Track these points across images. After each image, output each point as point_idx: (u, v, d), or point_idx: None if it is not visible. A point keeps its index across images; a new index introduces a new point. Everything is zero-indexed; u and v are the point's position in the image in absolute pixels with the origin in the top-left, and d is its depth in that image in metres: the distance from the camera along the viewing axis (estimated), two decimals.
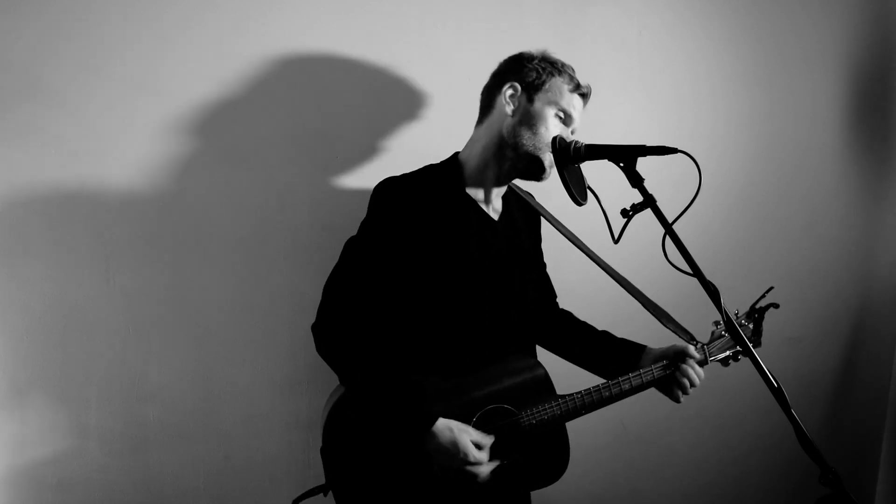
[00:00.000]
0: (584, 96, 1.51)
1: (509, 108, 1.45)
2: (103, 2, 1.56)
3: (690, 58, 2.12)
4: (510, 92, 1.46)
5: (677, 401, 1.55)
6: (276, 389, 1.79)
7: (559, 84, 1.46)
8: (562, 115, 1.46)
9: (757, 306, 1.62)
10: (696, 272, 1.25)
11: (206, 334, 1.72)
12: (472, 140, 1.52)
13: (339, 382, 1.52)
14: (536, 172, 1.47)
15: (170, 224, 1.66)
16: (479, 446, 1.39)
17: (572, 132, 1.49)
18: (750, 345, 1.22)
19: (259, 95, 1.68)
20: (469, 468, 1.38)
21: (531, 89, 1.45)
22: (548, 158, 1.45)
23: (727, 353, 1.59)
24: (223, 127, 1.67)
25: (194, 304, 1.70)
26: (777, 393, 1.18)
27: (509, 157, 1.46)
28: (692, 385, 1.53)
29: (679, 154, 1.25)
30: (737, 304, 1.72)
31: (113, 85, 1.58)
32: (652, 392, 1.98)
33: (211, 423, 1.75)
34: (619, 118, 2.06)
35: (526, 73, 1.46)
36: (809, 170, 2.34)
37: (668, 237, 1.26)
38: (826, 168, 2.36)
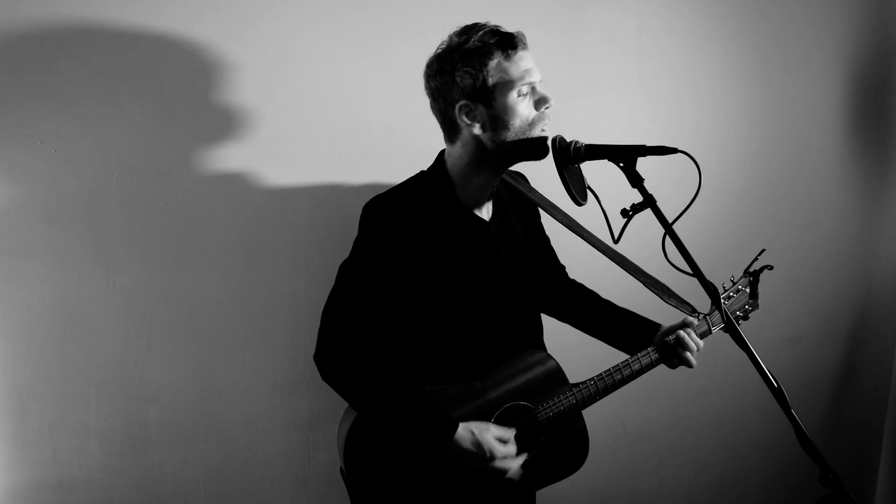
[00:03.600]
0: (523, 47, 1.34)
1: (476, 127, 1.35)
2: (103, 2, 1.55)
3: (690, 58, 2.12)
4: (466, 111, 1.34)
5: (674, 367, 1.55)
6: (276, 389, 1.79)
7: (496, 65, 1.31)
8: (523, 90, 1.33)
9: (750, 269, 1.63)
10: (696, 272, 1.25)
11: (206, 334, 1.72)
12: (449, 155, 1.44)
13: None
14: (535, 156, 1.39)
15: (170, 224, 1.66)
16: (503, 440, 1.39)
17: (541, 82, 1.38)
18: (746, 340, 1.22)
19: (259, 94, 1.68)
20: (498, 465, 1.37)
21: (480, 95, 1.32)
22: (538, 137, 1.37)
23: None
24: (223, 126, 1.67)
25: (194, 304, 1.70)
26: (777, 393, 1.18)
27: (497, 160, 1.41)
28: (691, 350, 1.51)
29: (679, 154, 1.25)
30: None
31: (113, 84, 1.58)
32: (652, 391, 1.98)
33: (211, 423, 1.75)
34: (619, 118, 2.06)
35: (463, 83, 1.32)
36: (809, 170, 2.34)
37: (668, 237, 1.27)
38: (826, 168, 2.36)
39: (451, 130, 1.41)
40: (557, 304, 1.72)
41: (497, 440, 1.38)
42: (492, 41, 1.31)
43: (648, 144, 1.28)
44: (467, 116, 1.35)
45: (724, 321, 1.27)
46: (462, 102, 1.34)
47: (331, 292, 1.43)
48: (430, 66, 1.39)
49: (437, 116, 1.43)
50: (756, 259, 1.61)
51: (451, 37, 1.35)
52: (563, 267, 1.76)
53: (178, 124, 1.64)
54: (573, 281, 1.77)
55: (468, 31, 1.33)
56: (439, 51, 1.37)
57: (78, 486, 1.65)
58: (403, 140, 1.80)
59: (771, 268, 1.61)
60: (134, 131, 1.61)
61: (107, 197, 1.61)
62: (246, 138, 1.69)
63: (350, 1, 1.73)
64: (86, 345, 1.63)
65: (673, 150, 1.25)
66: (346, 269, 1.43)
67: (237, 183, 1.70)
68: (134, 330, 1.66)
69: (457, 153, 1.42)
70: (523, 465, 1.44)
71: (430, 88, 1.40)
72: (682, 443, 2.30)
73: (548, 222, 1.67)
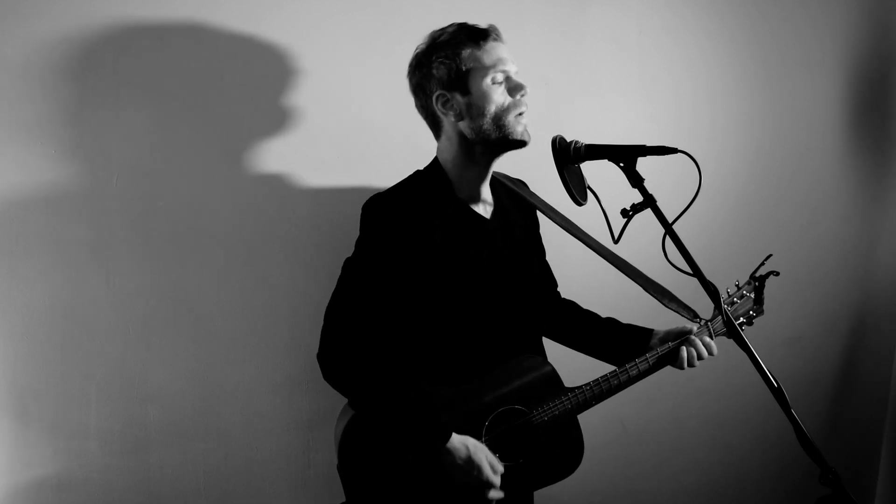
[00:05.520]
0: (496, 38, 1.41)
1: (453, 115, 1.40)
2: (103, 2, 1.56)
3: (690, 58, 2.12)
4: (443, 101, 1.40)
5: (681, 367, 1.53)
6: (276, 389, 1.79)
7: (468, 55, 1.38)
8: (497, 77, 1.39)
9: (756, 274, 1.62)
10: (696, 272, 1.25)
11: (206, 334, 1.72)
12: (440, 151, 1.49)
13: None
14: (515, 146, 1.43)
15: (170, 224, 1.66)
16: (493, 468, 1.39)
17: (516, 73, 1.42)
18: (746, 340, 1.22)
19: (259, 94, 1.68)
20: (482, 486, 1.38)
21: (454, 84, 1.39)
22: (518, 129, 1.40)
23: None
24: (223, 126, 1.67)
25: (194, 304, 1.70)
26: (777, 393, 1.18)
27: (482, 151, 1.43)
28: (700, 357, 1.52)
29: (679, 154, 1.25)
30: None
31: (112, 84, 1.58)
32: (652, 391, 1.97)
33: (211, 423, 1.75)
34: (619, 118, 2.06)
35: (439, 74, 1.39)
36: (809, 170, 2.34)
37: (668, 237, 1.27)
38: (826, 168, 2.36)
39: (434, 125, 1.48)
40: (547, 322, 1.71)
41: (489, 464, 1.38)
42: (462, 33, 1.40)
43: (648, 144, 1.28)
44: (444, 106, 1.41)
45: (724, 321, 1.28)
46: (439, 92, 1.41)
47: (335, 290, 1.43)
48: (410, 65, 1.48)
49: (421, 114, 1.50)
50: (762, 264, 1.60)
51: (426, 38, 1.45)
52: (556, 284, 1.76)
53: (179, 124, 1.64)
54: (566, 300, 1.76)
55: (441, 29, 1.43)
56: (417, 51, 1.45)
57: (78, 486, 1.65)
58: (403, 140, 1.80)
59: (777, 273, 1.60)
60: (134, 131, 1.61)
61: (107, 197, 1.61)
62: (246, 139, 1.69)
63: (350, 1, 1.73)
64: (86, 345, 1.63)
65: (673, 150, 1.25)
66: (349, 268, 1.43)
67: (237, 183, 1.70)
68: (134, 330, 1.66)
69: (444, 148, 1.47)
70: (516, 469, 1.44)
71: (412, 86, 1.48)
72: (682, 443, 2.30)
73: (547, 227, 1.67)
